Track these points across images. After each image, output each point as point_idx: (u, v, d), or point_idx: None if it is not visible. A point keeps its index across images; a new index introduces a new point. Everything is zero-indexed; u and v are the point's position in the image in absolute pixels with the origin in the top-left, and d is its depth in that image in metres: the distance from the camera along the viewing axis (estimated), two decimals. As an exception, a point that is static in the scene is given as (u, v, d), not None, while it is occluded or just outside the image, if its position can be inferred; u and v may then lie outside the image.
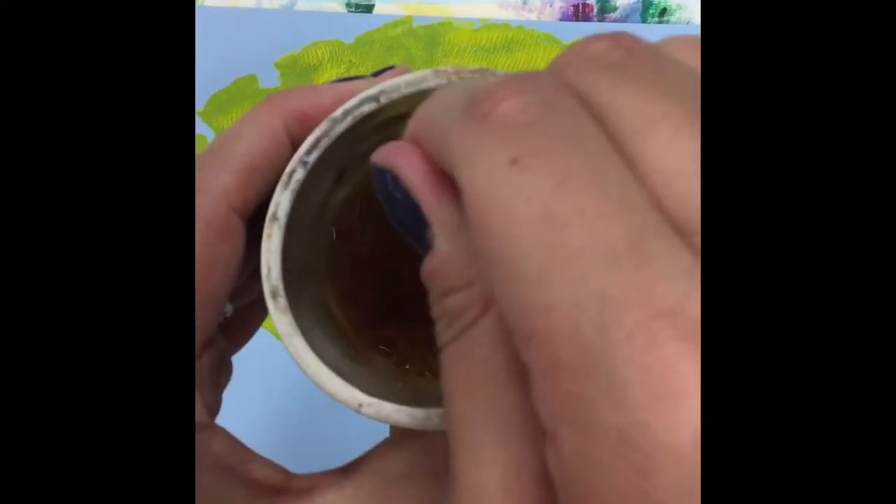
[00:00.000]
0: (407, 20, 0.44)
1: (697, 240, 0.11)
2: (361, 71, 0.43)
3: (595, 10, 0.45)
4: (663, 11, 0.44)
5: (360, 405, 0.17)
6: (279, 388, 0.37)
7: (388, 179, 0.14)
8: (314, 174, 0.18)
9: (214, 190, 0.18)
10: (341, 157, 0.19)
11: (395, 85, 0.18)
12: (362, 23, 0.44)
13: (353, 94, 0.18)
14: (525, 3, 0.45)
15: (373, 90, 0.17)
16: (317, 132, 0.17)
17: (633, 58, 0.12)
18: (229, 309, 0.22)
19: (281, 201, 0.17)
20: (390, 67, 0.21)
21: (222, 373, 0.21)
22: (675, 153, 0.11)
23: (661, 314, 0.09)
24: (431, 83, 0.18)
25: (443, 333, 0.13)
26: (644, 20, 0.44)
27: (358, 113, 0.17)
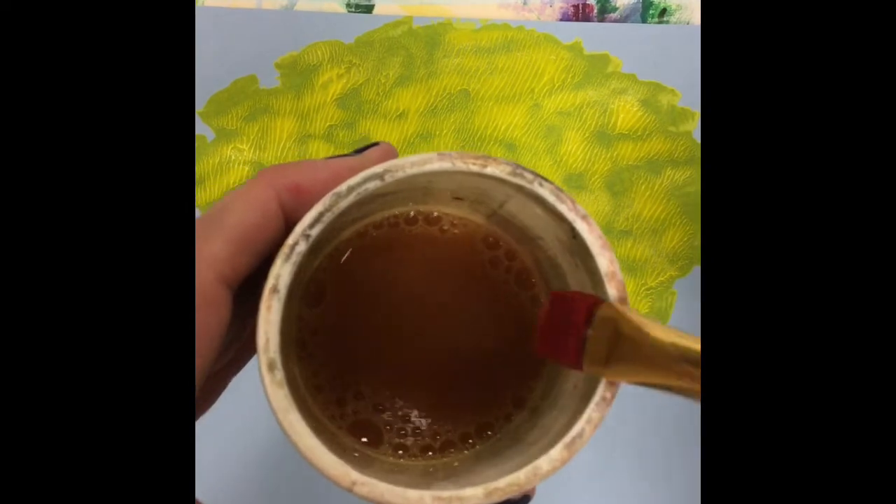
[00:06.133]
0: (407, 20, 0.44)
1: None
2: (361, 71, 0.43)
3: (595, 11, 0.45)
4: (663, 12, 0.44)
5: (353, 483, 0.16)
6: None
7: None
8: (309, 247, 0.18)
9: (204, 260, 0.18)
10: (325, 234, 0.19)
11: (399, 165, 0.18)
12: (362, 23, 0.44)
13: (346, 169, 0.19)
14: (525, 3, 0.45)
15: (378, 168, 0.18)
16: (320, 206, 0.17)
17: None
18: None
19: (282, 273, 0.17)
20: (374, 144, 0.21)
21: None
22: None
23: None
24: (435, 165, 0.18)
25: None
26: (644, 20, 0.44)
27: (362, 190, 0.18)
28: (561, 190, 0.18)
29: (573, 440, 0.17)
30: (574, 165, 0.42)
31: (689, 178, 0.41)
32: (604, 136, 0.42)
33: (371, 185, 0.18)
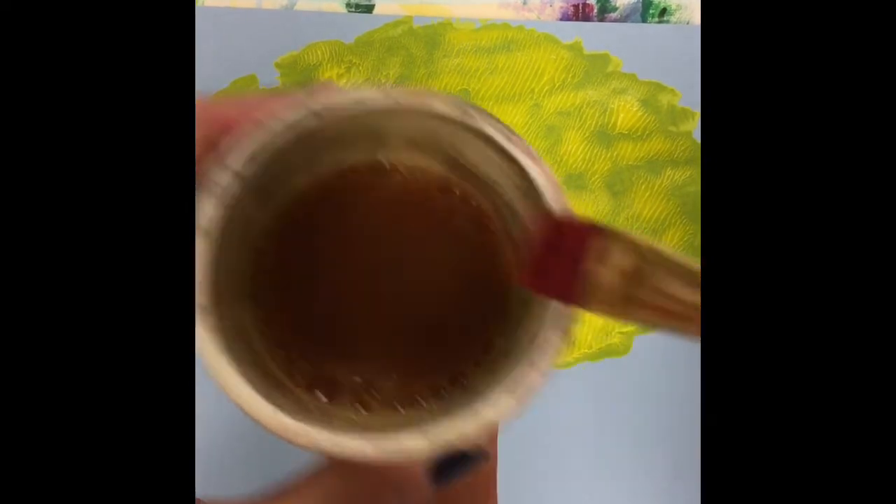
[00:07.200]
0: (407, 20, 0.44)
1: None
2: (361, 71, 0.43)
3: (595, 10, 0.45)
4: (663, 11, 0.44)
5: (287, 430, 0.16)
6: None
7: None
8: (245, 189, 0.17)
9: None
10: (270, 179, 0.18)
11: (337, 102, 0.17)
12: (362, 23, 0.44)
13: (286, 107, 0.18)
14: (525, 2, 0.45)
15: (315, 105, 0.17)
16: (253, 144, 0.16)
17: None
18: None
19: (204, 207, 0.16)
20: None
21: None
22: None
23: None
24: (370, 94, 0.17)
25: None
26: (644, 20, 0.44)
27: (301, 128, 0.17)
28: (512, 131, 0.18)
29: (522, 389, 0.17)
30: (574, 165, 0.42)
31: (689, 178, 0.41)
32: (604, 136, 0.42)
33: (309, 123, 0.17)
